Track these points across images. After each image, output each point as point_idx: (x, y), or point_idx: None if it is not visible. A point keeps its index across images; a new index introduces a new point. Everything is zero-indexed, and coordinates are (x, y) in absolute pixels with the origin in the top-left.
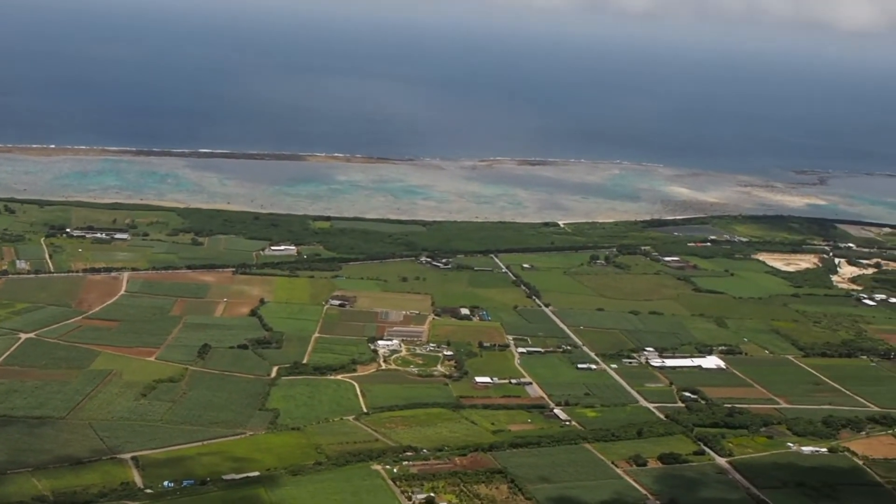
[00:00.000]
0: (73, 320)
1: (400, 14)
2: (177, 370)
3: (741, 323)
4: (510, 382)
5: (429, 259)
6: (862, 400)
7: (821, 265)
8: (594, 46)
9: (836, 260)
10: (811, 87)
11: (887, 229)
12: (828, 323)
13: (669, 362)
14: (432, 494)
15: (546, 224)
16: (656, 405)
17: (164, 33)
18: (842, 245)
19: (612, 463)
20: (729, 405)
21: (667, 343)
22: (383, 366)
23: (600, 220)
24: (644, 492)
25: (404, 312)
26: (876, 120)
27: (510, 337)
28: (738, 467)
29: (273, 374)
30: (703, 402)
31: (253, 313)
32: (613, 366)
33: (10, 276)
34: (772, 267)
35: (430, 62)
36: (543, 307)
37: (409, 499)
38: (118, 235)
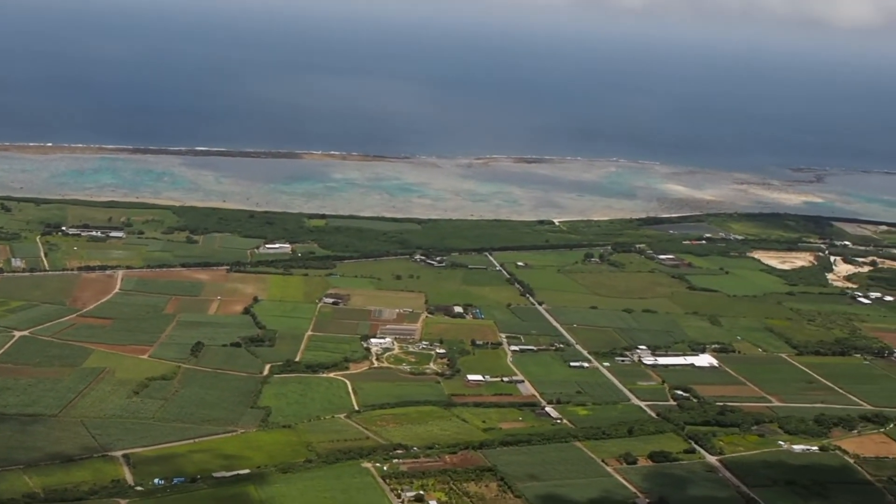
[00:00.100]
0: (67, 318)
1: (397, 12)
2: (169, 368)
3: (735, 321)
4: (502, 380)
5: (423, 257)
6: (855, 398)
7: (816, 263)
8: (591, 44)
9: (832, 258)
10: (809, 84)
11: (883, 227)
12: (822, 321)
13: (662, 360)
14: (422, 492)
15: (541, 222)
16: (648, 403)
17: (161, 31)
18: (838, 243)
19: (602, 461)
20: (721, 403)
21: (660, 341)
22: (376, 364)
23: (595, 218)
24: (633, 490)
25: (398, 310)
26: (873, 117)
27: (503, 335)
28: (728, 466)
29: (265, 372)
30: (695, 400)
31: (246, 311)
32: (606, 364)
33: (5, 274)
34: (767, 265)
35: (426, 60)
36: (537, 305)
37: (399, 497)
38: (113, 234)
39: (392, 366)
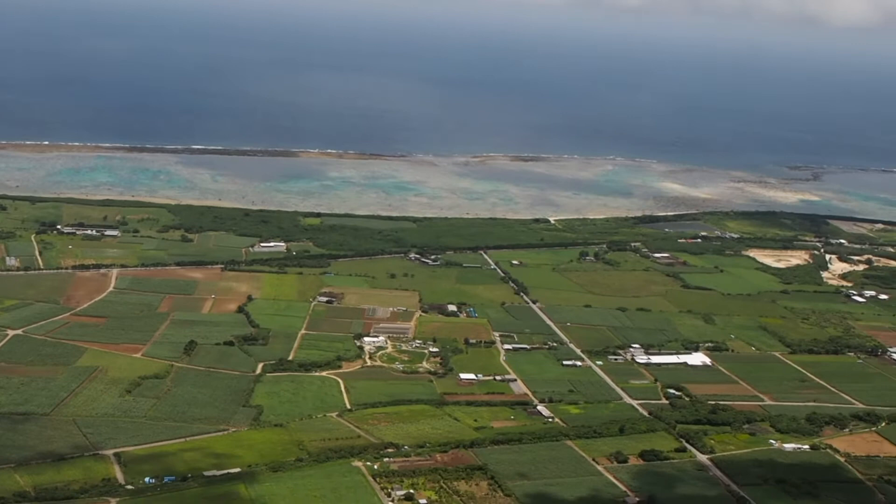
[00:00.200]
0: (60, 317)
1: (394, 10)
2: (162, 367)
3: (729, 319)
4: (495, 379)
5: (418, 256)
6: (847, 397)
7: (811, 261)
8: (589, 42)
9: (827, 256)
10: (806, 82)
11: (880, 225)
12: (816, 319)
13: (655, 359)
14: (412, 491)
15: (536, 220)
16: (640, 402)
17: (158, 30)
18: (833, 241)
19: (593, 460)
20: (713, 402)
21: (653, 340)
22: (368, 362)
23: (591, 217)
24: (623, 488)
25: (391, 309)
26: (871, 115)
27: (496, 334)
28: (718, 464)
29: (258, 371)
30: (687, 398)
31: (240, 310)
32: (599, 362)
33: None
34: (762, 263)
35: (424, 58)
36: (531, 304)
37: (389, 495)
38: (108, 232)
39: (385, 364)
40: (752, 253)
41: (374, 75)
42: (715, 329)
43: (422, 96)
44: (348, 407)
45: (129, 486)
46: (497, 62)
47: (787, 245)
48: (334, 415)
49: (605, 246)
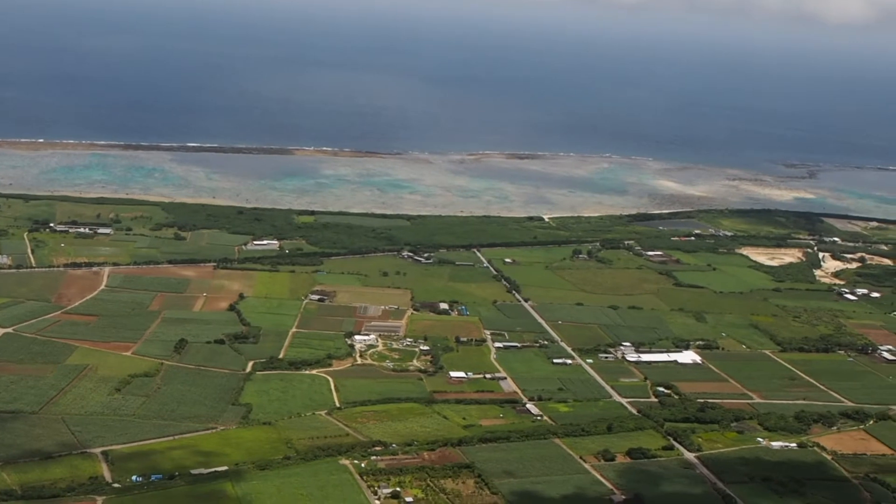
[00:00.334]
0: (51, 315)
1: (390, 7)
2: (152, 365)
3: (720, 318)
4: (484, 377)
5: (411, 254)
6: (836, 395)
7: (805, 259)
8: (585, 40)
9: (821, 254)
10: (802, 79)
11: (874, 223)
12: (807, 318)
13: (645, 357)
14: (398, 489)
15: (530, 218)
16: (629, 400)
17: (154, 28)
18: (827, 239)
19: (581, 458)
20: (702, 400)
21: (644, 338)
22: (359, 361)
23: (586, 215)
24: (609, 486)
25: (383, 307)
26: (867, 113)
27: (488, 332)
28: (705, 462)
29: (248, 369)
30: (676, 396)
31: (232, 308)
32: (589, 361)
33: None
34: (755, 261)
35: (420, 55)
36: (523, 302)
37: (375, 493)
38: (101, 230)
39: (375, 363)
40: (746, 251)
41: (370, 72)
42: (706, 327)
43: (418, 93)
44: (337, 405)
45: (116, 485)
46: (493, 59)
47: (780, 243)
48: (323, 413)
49: (598, 244)
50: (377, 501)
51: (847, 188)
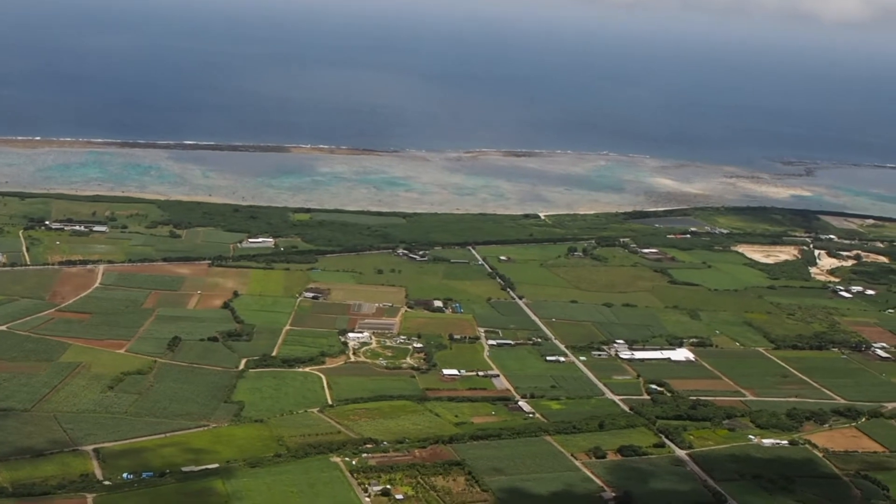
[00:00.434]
0: (45, 313)
1: (388, 4)
2: (145, 362)
3: (714, 315)
4: (477, 375)
5: (406, 251)
6: (829, 392)
7: (800, 257)
8: (582, 37)
9: (816, 252)
10: (799, 77)
11: (870, 221)
12: (802, 315)
13: (639, 354)
14: (389, 486)
15: (526, 216)
16: (622, 397)
17: (150, 25)
18: (823, 237)
19: (572, 455)
20: (694, 398)
21: (638, 335)
22: (352, 358)
23: (582, 212)
24: (600, 483)
25: (377, 305)
26: (864, 111)
27: (481, 329)
28: (696, 459)
29: (241, 367)
30: (668, 394)
31: (226, 306)
32: (583, 358)
33: None
34: (750, 259)
35: (417, 53)
36: (517, 299)
37: (366, 490)
38: (97, 228)
39: (368, 360)
40: (741, 248)
41: (367, 70)
42: (700, 325)
43: (415, 91)
44: (330, 403)
45: (107, 482)
46: (490, 57)
47: (776, 241)
48: (315, 410)
49: (594, 241)
50: (367, 499)
51: (844, 186)
